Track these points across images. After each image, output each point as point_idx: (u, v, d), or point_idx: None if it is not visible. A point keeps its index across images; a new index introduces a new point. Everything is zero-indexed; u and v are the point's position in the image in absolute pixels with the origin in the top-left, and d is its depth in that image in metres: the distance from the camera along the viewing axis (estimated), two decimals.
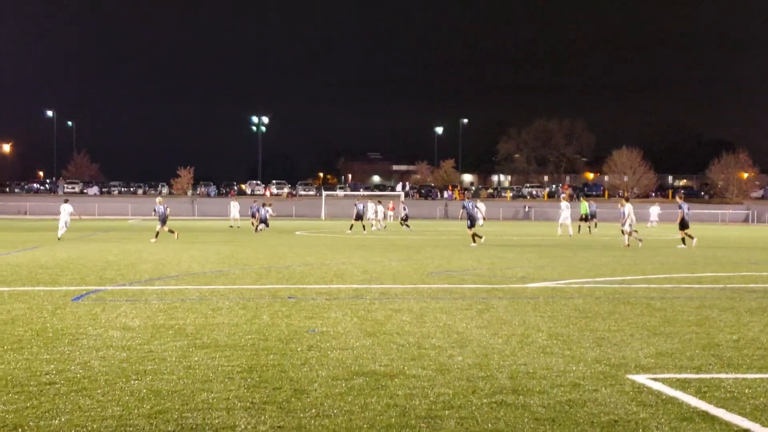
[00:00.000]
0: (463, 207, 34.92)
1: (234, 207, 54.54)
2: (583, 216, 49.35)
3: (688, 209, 35.41)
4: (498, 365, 8.59)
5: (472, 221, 34.01)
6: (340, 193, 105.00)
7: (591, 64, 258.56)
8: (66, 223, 36.75)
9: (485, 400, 7.08)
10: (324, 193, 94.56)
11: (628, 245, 33.51)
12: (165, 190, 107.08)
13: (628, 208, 34.31)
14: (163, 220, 37.13)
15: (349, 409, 6.73)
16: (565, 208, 43.92)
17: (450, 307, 13.26)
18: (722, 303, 14.31)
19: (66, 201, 39.00)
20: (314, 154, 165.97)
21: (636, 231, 36.06)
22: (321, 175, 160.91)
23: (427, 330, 10.87)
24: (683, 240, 34.42)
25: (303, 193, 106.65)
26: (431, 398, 7.14)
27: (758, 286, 17.66)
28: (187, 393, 7.22)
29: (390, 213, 53.18)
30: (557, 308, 13.35)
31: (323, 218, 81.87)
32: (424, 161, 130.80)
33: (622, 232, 34.51)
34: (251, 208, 51.17)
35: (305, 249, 29.52)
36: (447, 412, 6.67)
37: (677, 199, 37.62)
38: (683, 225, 34.76)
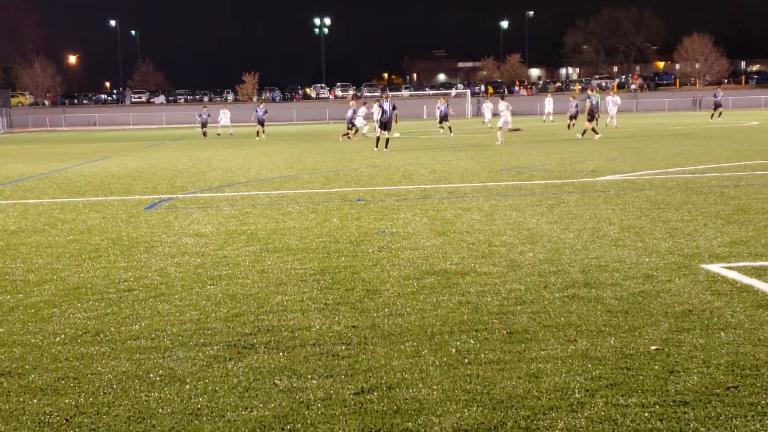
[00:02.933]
0: (588, 99, 35.83)
1: (224, 114, 52.06)
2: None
3: (597, 102, 35.55)
4: (569, 260, 8.56)
5: (591, 116, 34.80)
6: (405, 93, 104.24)
7: None
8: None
9: (557, 295, 7.08)
10: (390, 94, 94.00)
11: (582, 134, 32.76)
12: (231, 97, 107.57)
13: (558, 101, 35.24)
14: (261, 122, 42.92)
15: (421, 308, 6.81)
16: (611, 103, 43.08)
17: (519, 204, 13.20)
18: None
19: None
20: (378, 55, 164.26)
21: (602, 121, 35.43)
22: (386, 75, 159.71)
23: (497, 227, 10.86)
24: (585, 132, 34.06)
25: (368, 94, 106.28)
26: (503, 294, 7.17)
27: None
28: (262, 296, 7.37)
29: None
30: (629, 200, 13.20)
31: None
32: (490, 57, 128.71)
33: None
34: (200, 115, 49.20)
35: (371, 152, 29.52)
36: (519, 308, 6.70)
37: (588, 91, 39.08)
38: (591, 117, 34.20)
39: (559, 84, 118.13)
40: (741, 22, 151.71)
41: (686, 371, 5.07)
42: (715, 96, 53.78)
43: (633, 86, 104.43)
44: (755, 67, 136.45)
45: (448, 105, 43.12)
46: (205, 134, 47.25)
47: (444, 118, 42.46)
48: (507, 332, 6.02)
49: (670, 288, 7.18)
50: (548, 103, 56.94)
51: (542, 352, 5.53)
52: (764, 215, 11.07)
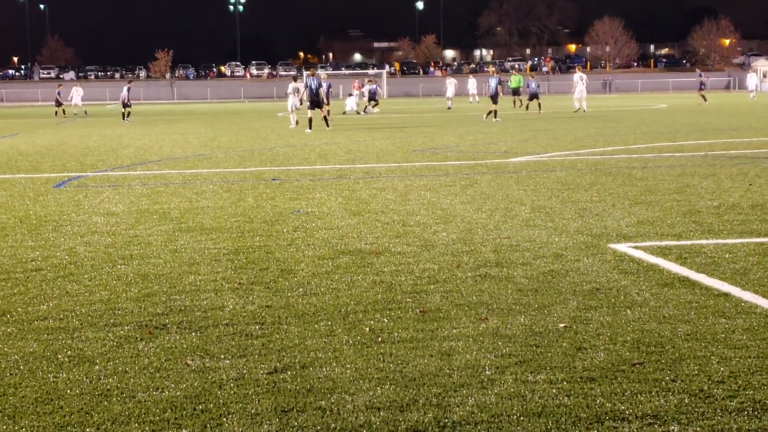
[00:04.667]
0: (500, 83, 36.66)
1: (76, 92, 49.88)
2: (514, 90, 47.07)
3: (498, 82, 35.74)
4: (482, 239, 8.67)
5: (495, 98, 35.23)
6: (321, 72, 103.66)
7: None
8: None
9: (470, 274, 7.17)
10: (305, 73, 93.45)
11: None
12: (143, 74, 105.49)
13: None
14: (125, 103, 39.25)
15: (335, 287, 6.82)
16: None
17: (434, 184, 13.31)
18: (703, 170, 14.41)
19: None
20: (294, 34, 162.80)
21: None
22: (301, 55, 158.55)
23: (411, 207, 10.93)
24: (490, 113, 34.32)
25: (284, 73, 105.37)
26: (416, 274, 7.23)
27: (739, 152, 17.77)
28: (174, 276, 7.29)
29: (356, 92, 51.85)
30: (540, 181, 13.42)
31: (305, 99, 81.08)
32: (406, 38, 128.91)
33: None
34: (58, 93, 47.61)
35: (286, 131, 29.34)
36: (432, 287, 6.76)
37: (494, 73, 39.72)
38: (494, 100, 34.98)
39: (473, 65, 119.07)
40: (651, 7, 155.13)
41: (593, 348, 5.19)
42: (700, 76, 55.06)
43: (545, 68, 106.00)
44: (664, 51, 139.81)
45: (377, 86, 44.92)
46: (56, 113, 46.23)
47: (372, 97, 44.06)
48: (420, 311, 6.08)
49: (579, 267, 7.34)
50: (471, 84, 57.60)
51: (454, 331, 5.60)
52: (670, 196, 11.39)
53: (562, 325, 5.67)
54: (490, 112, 34.17)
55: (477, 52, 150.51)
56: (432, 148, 20.82)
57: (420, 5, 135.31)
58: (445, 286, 6.79)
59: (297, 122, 30.86)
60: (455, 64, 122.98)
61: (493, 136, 24.85)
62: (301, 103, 31.73)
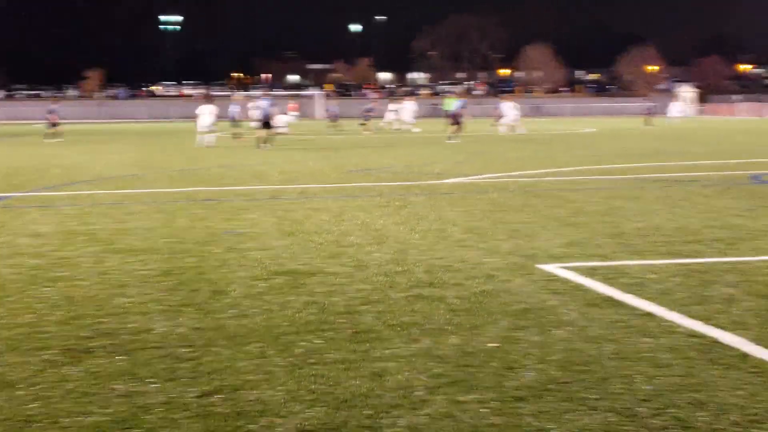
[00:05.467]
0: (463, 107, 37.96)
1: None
2: (447, 113, 47.52)
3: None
4: (415, 260, 8.72)
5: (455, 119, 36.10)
6: (256, 93, 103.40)
7: None
8: None
9: (402, 294, 7.20)
10: (243, 93, 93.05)
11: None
12: (72, 93, 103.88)
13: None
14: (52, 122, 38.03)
15: (268, 308, 6.78)
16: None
17: (368, 205, 13.34)
18: (629, 192, 14.71)
19: None
20: (229, 54, 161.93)
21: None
22: (236, 75, 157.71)
23: (345, 228, 10.94)
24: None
25: (217, 93, 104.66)
26: (350, 294, 7.24)
27: (663, 176, 18.17)
28: (102, 298, 7.17)
29: (291, 113, 52.04)
30: (472, 202, 13.55)
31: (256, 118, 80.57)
32: (341, 60, 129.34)
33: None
34: None
35: (223, 151, 29.17)
36: (365, 307, 6.77)
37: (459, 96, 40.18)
38: (456, 120, 35.79)
39: (406, 88, 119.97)
40: (580, 33, 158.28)
41: (523, 368, 5.26)
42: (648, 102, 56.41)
43: (479, 92, 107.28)
44: (592, 77, 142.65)
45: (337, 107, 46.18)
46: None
47: (335, 118, 46.40)
48: (353, 332, 6.08)
49: (510, 287, 7.43)
50: (409, 107, 58.04)
51: (386, 351, 5.62)
52: (598, 218, 11.60)
53: (492, 345, 5.73)
54: (453, 132, 34.89)
55: (411, 75, 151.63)
56: (367, 168, 20.89)
57: (356, 28, 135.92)
58: (377, 306, 6.81)
59: (210, 142, 31.26)
60: (390, 86, 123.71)
61: (427, 157, 25.03)
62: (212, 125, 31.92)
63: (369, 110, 48.01)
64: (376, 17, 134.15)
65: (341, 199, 14.19)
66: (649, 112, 54.75)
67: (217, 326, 6.28)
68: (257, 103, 34.25)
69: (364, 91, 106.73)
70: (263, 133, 30.38)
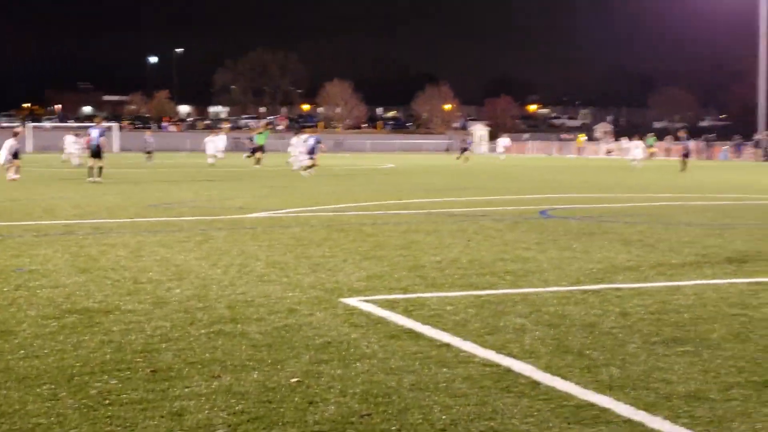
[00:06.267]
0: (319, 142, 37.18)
1: None
2: (257, 147, 47.70)
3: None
4: (217, 295, 8.62)
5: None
6: (47, 124, 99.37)
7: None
8: None
9: (203, 331, 7.10)
10: (31, 124, 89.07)
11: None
12: None
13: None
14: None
15: (61, 348, 6.51)
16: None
17: (168, 240, 13.07)
18: (427, 227, 15.17)
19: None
20: (20, 85, 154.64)
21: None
22: (27, 106, 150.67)
23: (143, 264, 10.66)
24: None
25: (6, 125, 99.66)
26: (148, 332, 7.06)
27: (458, 210, 18.88)
28: None
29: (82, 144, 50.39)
30: (275, 237, 13.56)
31: (30, 150, 77.13)
32: (138, 91, 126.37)
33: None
34: None
35: (11, 184, 27.75)
36: (164, 345, 6.62)
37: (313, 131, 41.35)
38: (311, 155, 36.27)
39: (208, 122, 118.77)
40: (379, 71, 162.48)
41: (324, 401, 5.30)
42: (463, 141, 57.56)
43: (280, 127, 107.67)
44: (390, 114, 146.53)
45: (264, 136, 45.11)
46: None
47: (258, 150, 44.77)
48: (151, 371, 5.93)
49: (312, 321, 7.48)
50: (221, 140, 57.65)
51: (186, 390, 5.52)
52: (397, 251, 11.88)
53: (294, 379, 5.74)
54: (308, 167, 34.58)
55: (212, 109, 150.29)
56: (167, 203, 20.47)
57: (154, 60, 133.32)
58: (177, 344, 6.68)
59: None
60: (190, 119, 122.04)
61: (229, 191, 24.83)
62: (15, 157, 30.14)
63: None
64: (176, 49, 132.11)
65: (140, 235, 13.83)
66: (461, 149, 56.06)
67: (5, 368, 5.96)
68: (89, 132, 32.63)
69: (163, 124, 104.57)
70: (92, 162, 29.52)
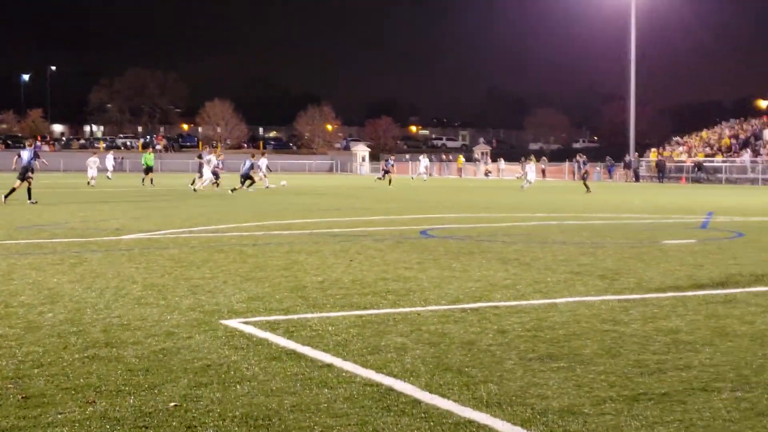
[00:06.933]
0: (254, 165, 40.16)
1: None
2: (148, 168, 47.10)
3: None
4: (91, 319, 8.39)
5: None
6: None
7: (182, 16, 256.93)
8: None
9: (77, 356, 6.89)
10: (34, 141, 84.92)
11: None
12: None
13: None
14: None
15: None
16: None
17: (40, 263, 12.65)
18: (309, 247, 15.15)
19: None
20: None
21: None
22: None
23: (15, 287, 10.29)
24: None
25: None
26: (19, 357, 6.81)
27: (340, 230, 18.93)
28: None
29: None
30: (152, 258, 13.29)
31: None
32: (9, 110, 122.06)
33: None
34: None
35: None
36: (36, 371, 6.41)
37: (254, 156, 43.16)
38: (244, 179, 38.30)
39: (83, 141, 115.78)
40: (259, 91, 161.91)
41: (203, 426, 5.22)
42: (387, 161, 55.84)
43: (158, 146, 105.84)
44: (272, 134, 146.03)
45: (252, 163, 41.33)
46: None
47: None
48: (22, 397, 5.73)
49: (191, 344, 7.36)
50: (108, 160, 56.82)
51: (59, 416, 5.35)
52: (279, 272, 11.82)
53: (172, 404, 5.63)
54: (235, 189, 36.78)
55: (88, 128, 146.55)
56: (38, 224, 19.81)
57: (26, 77, 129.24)
58: (50, 369, 6.47)
59: None
60: (64, 139, 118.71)
61: (105, 213, 24.22)
62: None
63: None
64: (50, 67, 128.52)
65: (10, 257, 13.34)
66: (383, 171, 55.08)
67: None
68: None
69: (37, 143, 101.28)
70: (17, 184, 28.67)
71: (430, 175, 69.15)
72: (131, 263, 12.72)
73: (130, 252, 14.30)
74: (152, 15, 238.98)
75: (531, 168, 50.94)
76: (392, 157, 61.63)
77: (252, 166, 40.19)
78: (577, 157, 50.76)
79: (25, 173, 28.52)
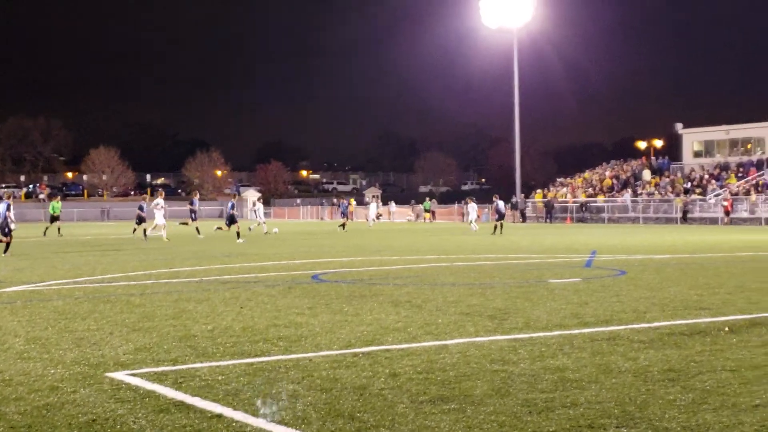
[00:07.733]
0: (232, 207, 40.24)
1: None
2: (54, 216, 46.22)
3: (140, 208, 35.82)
4: None
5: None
6: None
7: (68, 62, 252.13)
8: None
9: None
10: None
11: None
12: None
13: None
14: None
15: None
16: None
17: None
18: (198, 295, 14.93)
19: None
20: None
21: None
22: None
23: None
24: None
25: None
26: None
27: (231, 277, 18.73)
28: None
29: None
30: (36, 311, 12.88)
31: None
32: None
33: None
34: None
35: None
36: None
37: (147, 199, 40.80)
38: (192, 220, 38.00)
39: None
40: (146, 138, 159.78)
41: None
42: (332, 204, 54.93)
43: (42, 195, 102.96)
44: (160, 180, 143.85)
45: (233, 205, 41.67)
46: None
47: (231, 219, 39.95)
48: None
49: (75, 398, 7.14)
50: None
51: None
52: (167, 322, 11.60)
53: None
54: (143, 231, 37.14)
55: None
56: None
57: None
58: None
59: None
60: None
61: None
62: None
63: None
64: None
65: None
66: (342, 215, 53.98)
67: None
68: None
69: None
70: None
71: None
72: (13, 316, 12.30)
73: (11, 305, 13.82)
74: (36, 62, 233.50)
75: (473, 207, 50.80)
76: (344, 201, 61.23)
77: (233, 206, 40.49)
78: (494, 198, 50.90)
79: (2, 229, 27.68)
